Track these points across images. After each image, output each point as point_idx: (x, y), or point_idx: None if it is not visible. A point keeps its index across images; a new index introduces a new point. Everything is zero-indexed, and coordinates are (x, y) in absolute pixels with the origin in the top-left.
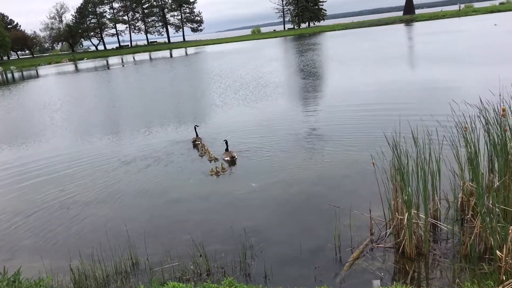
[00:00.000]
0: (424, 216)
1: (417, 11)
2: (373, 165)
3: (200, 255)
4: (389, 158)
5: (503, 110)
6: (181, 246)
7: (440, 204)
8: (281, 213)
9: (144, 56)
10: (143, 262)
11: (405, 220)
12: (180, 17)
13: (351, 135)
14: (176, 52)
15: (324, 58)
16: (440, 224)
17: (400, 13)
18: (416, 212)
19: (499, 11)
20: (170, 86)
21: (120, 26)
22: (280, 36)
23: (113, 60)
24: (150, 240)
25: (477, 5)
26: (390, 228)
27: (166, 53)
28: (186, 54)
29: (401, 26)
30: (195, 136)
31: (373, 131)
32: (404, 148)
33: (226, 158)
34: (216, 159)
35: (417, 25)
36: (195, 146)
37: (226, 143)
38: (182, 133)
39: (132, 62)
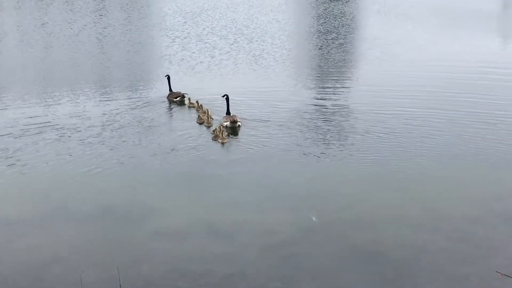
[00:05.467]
0: None
1: None
2: None
3: None
4: None
5: None
6: None
7: None
8: None
9: None
10: None
11: None
12: None
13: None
14: None
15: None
16: None
17: None
18: None
19: None
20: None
21: None
22: None
23: None
24: None
25: None
26: None
27: None
28: None
29: None
30: (169, 91)
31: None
32: None
33: (226, 123)
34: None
35: None
36: (176, 103)
37: (227, 100)
38: (144, 92)
39: None
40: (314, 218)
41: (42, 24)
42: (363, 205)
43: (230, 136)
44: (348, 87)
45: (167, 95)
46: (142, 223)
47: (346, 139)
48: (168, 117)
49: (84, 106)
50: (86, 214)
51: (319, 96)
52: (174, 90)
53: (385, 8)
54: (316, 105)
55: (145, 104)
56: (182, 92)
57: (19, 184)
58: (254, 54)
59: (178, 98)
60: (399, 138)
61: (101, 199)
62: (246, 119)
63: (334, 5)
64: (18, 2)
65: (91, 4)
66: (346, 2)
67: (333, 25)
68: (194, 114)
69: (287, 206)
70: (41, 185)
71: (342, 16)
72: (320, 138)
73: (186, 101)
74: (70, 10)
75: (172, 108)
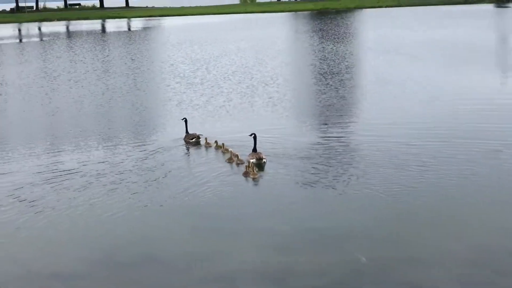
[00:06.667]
0: None
1: None
2: None
3: None
4: None
5: None
6: None
7: None
8: None
9: (58, 26)
10: None
11: None
12: None
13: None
14: (112, 24)
15: (374, 55)
16: None
17: None
18: None
19: None
20: (104, 75)
21: None
22: (287, 11)
23: (3, 29)
24: None
25: None
26: None
27: (95, 24)
28: (129, 28)
29: (490, 7)
30: (186, 132)
31: None
32: None
33: (252, 160)
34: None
35: None
36: (193, 144)
37: (255, 138)
38: (161, 136)
39: (37, 35)
40: (363, 259)
41: (50, 71)
42: (406, 241)
43: (259, 172)
44: (363, 123)
45: (183, 137)
46: (188, 270)
47: (372, 174)
48: (189, 158)
49: (104, 152)
50: (130, 261)
51: (336, 132)
52: (190, 132)
53: (389, 47)
54: (334, 140)
55: (164, 147)
56: (198, 133)
57: (52, 232)
58: (270, 96)
59: (194, 139)
60: (424, 172)
61: (142, 245)
62: (269, 155)
63: (338, 46)
64: (23, 54)
65: (100, 54)
66: (350, 42)
67: (340, 65)
68: (213, 154)
69: (332, 246)
70: (76, 233)
71: (348, 57)
72: (346, 173)
73: (202, 141)
74: (81, 60)
75: (189, 149)
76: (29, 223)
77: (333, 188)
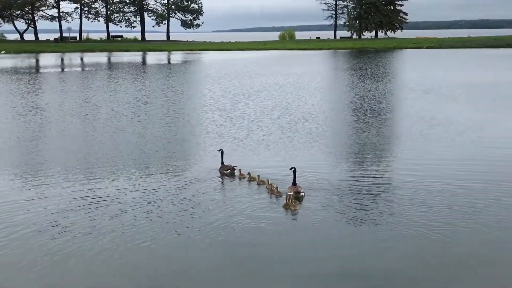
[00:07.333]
0: None
1: None
2: None
3: None
4: None
5: None
6: None
7: None
8: None
9: (100, 57)
10: None
11: None
12: (166, 0)
13: None
14: (153, 57)
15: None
16: None
17: None
18: None
19: None
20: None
21: (66, 5)
22: (327, 49)
23: (47, 58)
24: None
25: None
26: None
27: (136, 56)
28: (169, 61)
29: None
30: (221, 164)
31: None
32: None
33: (290, 193)
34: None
35: None
36: (227, 175)
37: (294, 172)
38: (197, 167)
39: (79, 65)
40: None
41: (93, 100)
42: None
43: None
44: (404, 161)
45: (219, 168)
46: None
47: (411, 213)
48: (224, 188)
49: (140, 181)
50: None
51: (376, 169)
52: (226, 163)
53: (430, 88)
54: (373, 177)
55: (198, 178)
56: (233, 165)
57: (84, 259)
58: (309, 132)
59: (229, 170)
60: (466, 214)
61: (178, 275)
62: (307, 189)
63: (378, 85)
64: (65, 83)
65: (141, 85)
66: (390, 82)
67: (381, 104)
68: (247, 185)
69: (366, 283)
70: (108, 261)
71: (389, 96)
72: (385, 211)
73: (237, 173)
74: (123, 91)
75: (223, 180)
76: (62, 248)
77: (370, 225)
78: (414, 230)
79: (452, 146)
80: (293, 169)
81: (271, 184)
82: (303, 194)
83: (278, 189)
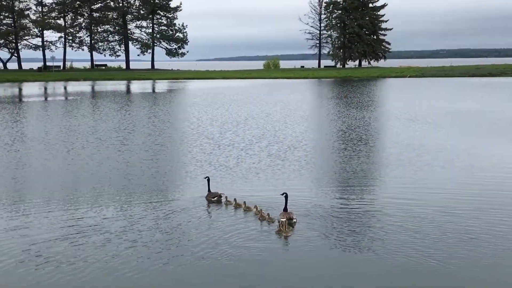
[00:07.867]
0: None
1: None
2: None
3: None
4: None
5: None
6: None
7: None
8: None
9: (84, 86)
10: None
11: None
12: (151, 30)
13: None
14: (138, 86)
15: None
16: None
17: (504, 59)
18: None
19: None
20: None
21: (50, 34)
22: (311, 77)
23: (31, 87)
24: None
25: None
26: None
27: (120, 85)
28: (154, 90)
29: None
30: (208, 191)
31: None
32: None
33: (283, 220)
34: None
35: None
36: (214, 202)
37: (286, 198)
38: (183, 195)
39: (63, 93)
40: None
41: (76, 128)
42: None
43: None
44: (394, 188)
45: (205, 195)
46: None
47: (404, 239)
48: (209, 216)
49: (126, 209)
50: None
51: (366, 196)
52: (212, 190)
53: (415, 116)
54: (363, 203)
55: (186, 206)
56: (220, 192)
57: None
58: (298, 160)
59: (215, 198)
60: (459, 240)
61: None
62: (298, 216)
63: (364, 113)
64: (49, 111)
65: (126, 114)
66: (375, 110)
67: (368, 132)
68: (233, 212)
69: None
70: None
71: (374, 123)
72: (376, 237)
73: (223, 199)
74: (108, 119)
75: (210, 207)
76: (45, 279)
77: (361, 251)
78: (407, 257)
79: (442, 173)
80: (284, 194)
81: (260, 210)
82: (295, 220)
83: (270, 215)
